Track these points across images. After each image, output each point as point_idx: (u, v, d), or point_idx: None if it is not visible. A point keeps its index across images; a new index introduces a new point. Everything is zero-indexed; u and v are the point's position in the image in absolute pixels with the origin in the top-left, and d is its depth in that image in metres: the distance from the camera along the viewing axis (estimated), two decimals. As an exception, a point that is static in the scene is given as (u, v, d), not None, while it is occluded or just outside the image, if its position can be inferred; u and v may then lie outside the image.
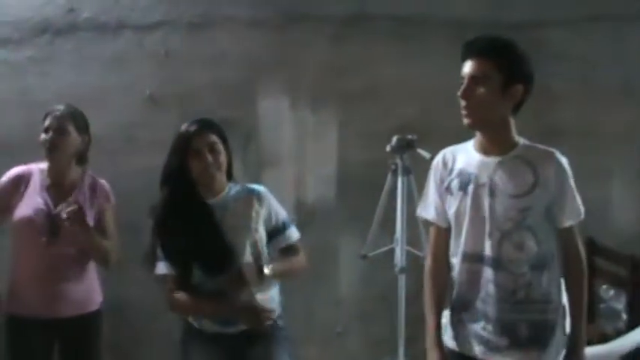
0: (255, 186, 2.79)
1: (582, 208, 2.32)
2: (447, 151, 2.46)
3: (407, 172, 3.43)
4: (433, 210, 2.45)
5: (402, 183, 3.42)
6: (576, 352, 2.30)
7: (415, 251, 3.51)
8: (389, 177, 3.47)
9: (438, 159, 2.47)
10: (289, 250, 2.79)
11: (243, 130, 3.89)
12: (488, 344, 2.29)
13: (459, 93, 2.24)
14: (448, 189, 2.37)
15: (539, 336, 2.27)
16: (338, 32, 3.93)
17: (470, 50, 2.27)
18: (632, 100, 4.26)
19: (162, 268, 2.63)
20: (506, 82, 2.21)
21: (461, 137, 3.78)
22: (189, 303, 2.62)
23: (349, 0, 3.94)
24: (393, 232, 3.48)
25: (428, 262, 2.50)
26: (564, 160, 2.30)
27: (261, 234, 2.69)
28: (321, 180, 3.97)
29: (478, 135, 2.35)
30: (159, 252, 2.63)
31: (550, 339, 2.28)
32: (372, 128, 3.85)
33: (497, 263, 2.26)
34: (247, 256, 2.61)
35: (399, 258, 3.43)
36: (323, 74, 3.93)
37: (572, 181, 2.30)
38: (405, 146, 3.40)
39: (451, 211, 2.37)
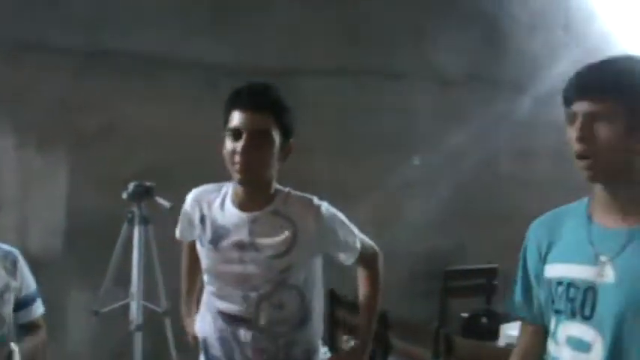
0: (7, 247, 2.45)
1: (357, 242, 2.26)
2: (201, 195, 2.30)
3: (144, 221, 3.33)
4: (180, 232, 2.47)
5: (139, 233, 3.32)
6: (360, 346, 2.36)
7: (153, 306, 3.40)
8: (125, 226, 3.35)
9: (189, 200, 2.33)
10: (32, 326, 2.49)
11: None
12: None
13: (238, 149, 2.04)
14: (200, 238, 2.24)
15: None
16: (75, 67, 3.74)
17: (249, 103, 2.09)
18: (381, 150, 4.54)
19: None
20: (284, 139, 2.12)
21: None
22: None
23: (90, 32, 3.76)
24: (128, 286, 3.35)
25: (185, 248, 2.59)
26: (324, 205, 2.21)
27: (11, 305, 2.37)
28: (48, 228, 3.72)
29: (239, 188, 2.17)
30: None
31: None
32: (108, 173, 3.67)
33: (255, 326, 2.17)
34: None
35: (135, 314, 3.30)
36: (55, 112, 3.70)
37: (336, 223, 2.22)
38: (143, 194, 3.31)
39: (203, 264, 2.25)
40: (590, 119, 1.54)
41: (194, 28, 3.93)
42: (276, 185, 2.22)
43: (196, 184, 3.70)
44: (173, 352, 3.46)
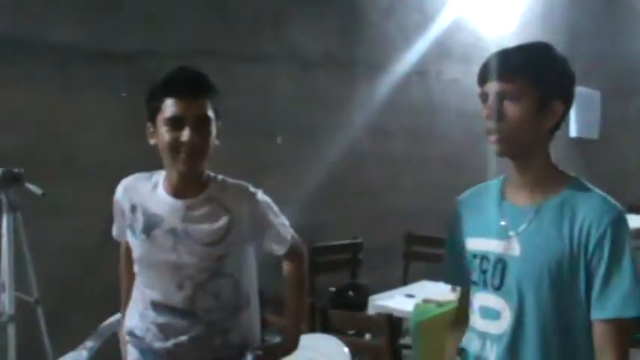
0: None
1: (288, 233, 2.33)
2: (130, 182, 2.27)
3: (13, 209, 3.27)
4: (117, 230, 2.37)
5: (8, 221, 3.24)
6: (290, 341, 2.41)
7: (25, 297, 3.35)
8: (-8, 214, 3.28)
9: (120, 189, 2.27)
10: None
11: None
12: None
13: (184, 138, 2.05)
14: (131, 228, 2.22)
15: None
16: None
17: (188, 90, 2.10)
18: (244, 132, 4.64)
19: None
20: (217, 120, 2.15)
21: (72, 171, 3.78)
22: None
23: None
24: (-3, 276, 3.28)
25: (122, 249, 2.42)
26: (259, 193, 2.25)
27: None
28: None
29: (173, 174, 2.16)
30: None
31: None
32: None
33: (192, 315, 2.17)
34: None
35: (7, 305, 3.24)
36: None
37: (270, 212, 2.27)
38: (10, 180, 3.25)
39: (135, 254, 2.22)
40: (499, 98, 1.71)
41: (50, 10, 3.81)
42: (208, 173, 2.22)
43: (66, 170, 3.68)
44: (46, 341, 3.43)
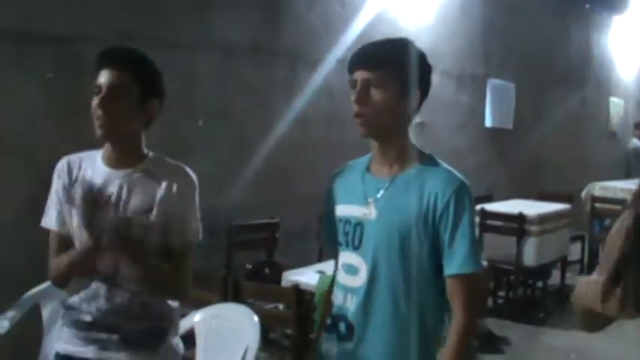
0: None
1: (200, 225, 2.38)
2: (73, 158, 2.37)
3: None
4: (54, 218, 2.35)
5: None
6: None
7: None
8: None
9: (63, 164, 2.36)
10: None
11: None
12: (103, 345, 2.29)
13: (96, 102, 2.19)
14: (71, 200, 2.31)
15: (151, 341, 2.34)
16: None
17: (108, 59, 2.25)
18: (165, 115, 4.77)
19: None
20: (144, 96, 2.26)
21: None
22: None
23: None
24: None
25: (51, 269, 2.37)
26: (193, 175, 2.36)
27: None
28: None
29: (108, 146, 2.32)
30: None
31: (161, 343, 2.35)
32: None
33: (112, 281, 2.27)
34: None
35: None
36: None
37: (197, 198, 2.37)
38: None
39: (75, 223, 2.30)
40: (366, 85, 2.01)
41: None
42: (147, 151, 2.38)
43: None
44: None
